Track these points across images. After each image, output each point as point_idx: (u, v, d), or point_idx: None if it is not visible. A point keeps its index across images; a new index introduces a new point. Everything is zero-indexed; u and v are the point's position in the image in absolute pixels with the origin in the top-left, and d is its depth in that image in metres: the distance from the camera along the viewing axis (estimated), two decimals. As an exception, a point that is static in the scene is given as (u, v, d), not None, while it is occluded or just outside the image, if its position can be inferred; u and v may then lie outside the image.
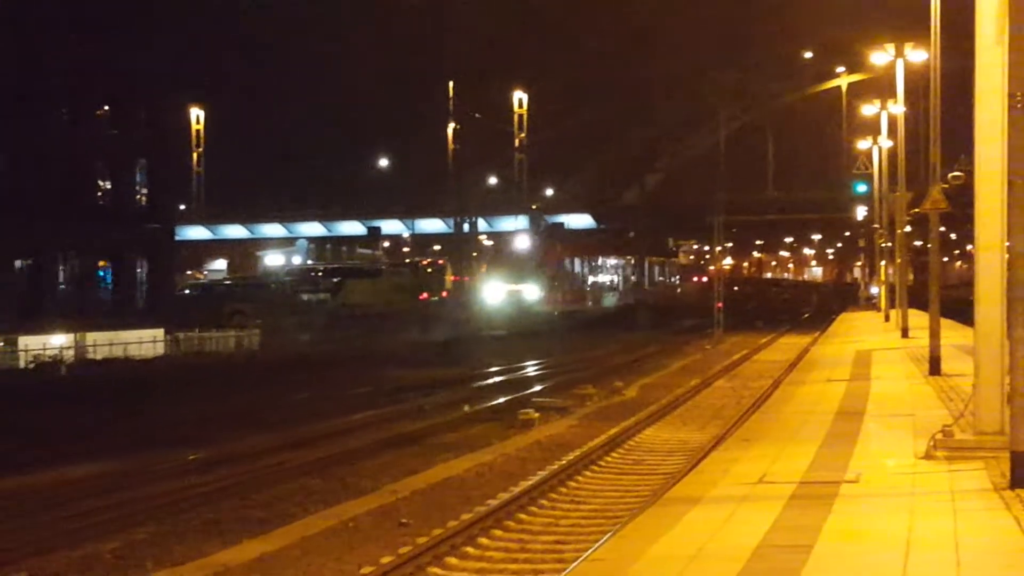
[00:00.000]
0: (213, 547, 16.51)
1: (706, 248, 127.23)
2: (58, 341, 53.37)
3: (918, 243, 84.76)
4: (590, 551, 12.78)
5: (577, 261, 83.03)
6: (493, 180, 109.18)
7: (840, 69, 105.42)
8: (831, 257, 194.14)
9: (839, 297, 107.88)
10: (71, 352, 52.04)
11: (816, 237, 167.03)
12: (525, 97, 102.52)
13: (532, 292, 70.41)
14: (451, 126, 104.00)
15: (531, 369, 45.24)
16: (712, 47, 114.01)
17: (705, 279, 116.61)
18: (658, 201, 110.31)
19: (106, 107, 61.60)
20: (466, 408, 31.49)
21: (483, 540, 16.39)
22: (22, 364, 49.67)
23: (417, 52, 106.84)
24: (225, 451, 24.91)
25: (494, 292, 71.30)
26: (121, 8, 59.60)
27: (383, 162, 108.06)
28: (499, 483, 20.65)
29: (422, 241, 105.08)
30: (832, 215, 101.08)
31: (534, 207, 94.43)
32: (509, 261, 73.79)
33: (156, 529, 17.65)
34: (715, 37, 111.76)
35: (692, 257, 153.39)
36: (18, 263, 57.92)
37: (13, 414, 31.42)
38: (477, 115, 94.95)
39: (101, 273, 62.48)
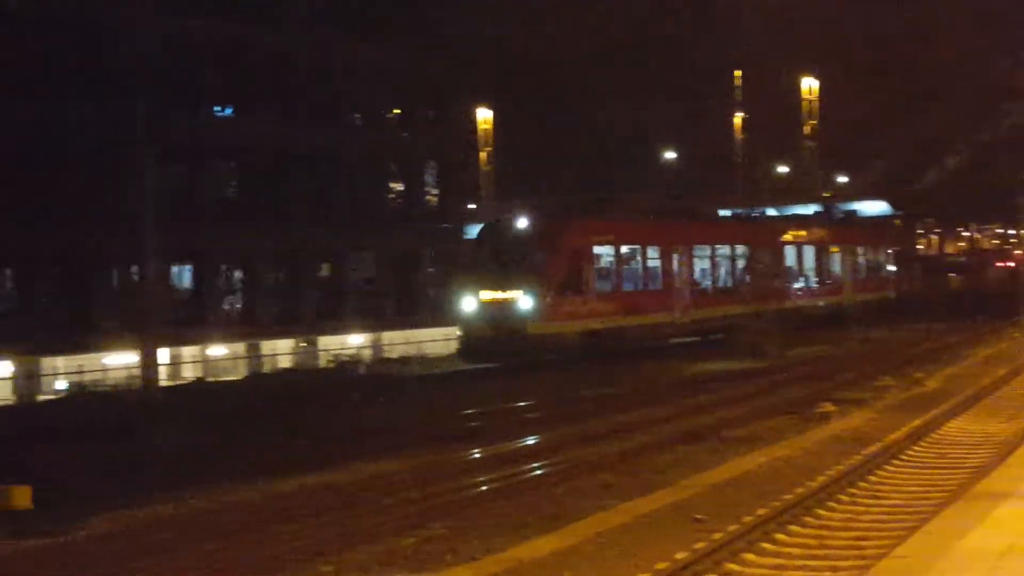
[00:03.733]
0: (508, 542, 16.60)
1: (1011, 232, 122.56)
2: (355, 341, 55.01)
3: None
4: (893, 548, 12.35)
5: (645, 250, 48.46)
6: (783, 168, 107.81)
7: None
8: None
9: None
10: (368, 351, 53.49)
11: None
12: (815, 83, 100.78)
13: (525, 302, 43.04)
14: (738, 115, 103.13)
15: (824, 361, 44.22)
16: (1017, 19, 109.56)
17: (1011, 264, 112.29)
18: (958, 184, 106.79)
19: (396, 111, 63.32)
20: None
21: (780, 536, 16.03)
22: (322, 364, 51.30)
23: (700, 41, 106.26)
24: (520, 446, 25.12)
25: (467, 302, 44.50)
26: (408, 12, 61.18)
27: (669, 154, 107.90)
28: (795, 477, 20.19)
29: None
30: None
31: (826, 195, 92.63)
32: (505, 255, 44.66)
33: (453, 524, 17.84)
34: (1018, 9, 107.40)
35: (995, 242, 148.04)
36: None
37: (316, 413, 32.43)
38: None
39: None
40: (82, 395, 39.54)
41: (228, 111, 55.98)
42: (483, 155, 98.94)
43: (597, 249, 45.78)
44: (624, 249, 47.18)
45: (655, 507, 18.30)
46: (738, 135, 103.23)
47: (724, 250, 53.95)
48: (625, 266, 47.03)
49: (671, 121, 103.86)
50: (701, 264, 51.98)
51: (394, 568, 15.65)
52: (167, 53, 49.91)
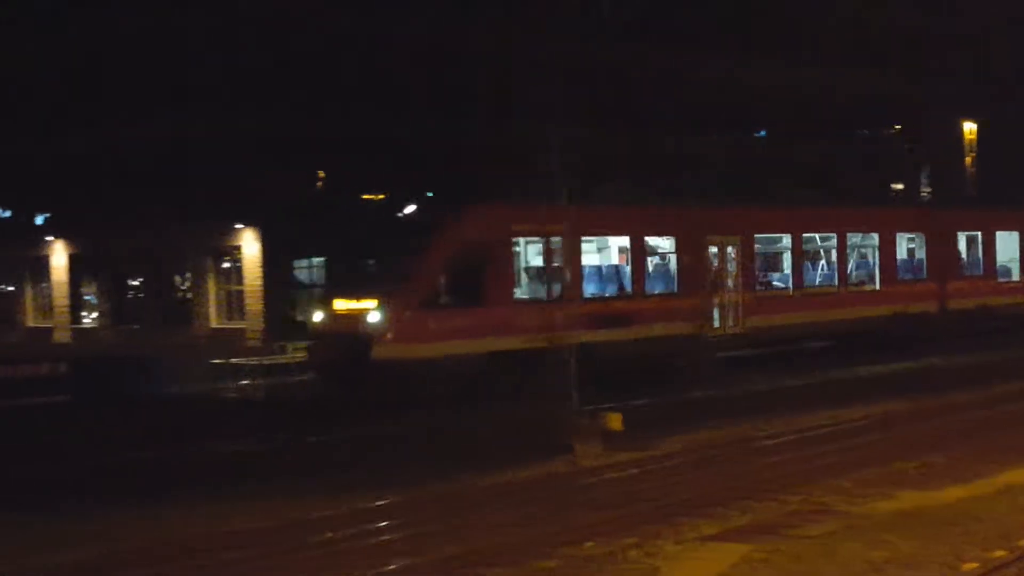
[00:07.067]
0: (999, 468, 19.44)
1: None
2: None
3: None
4: None
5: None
6: None
7: None
8: None
9: None
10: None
11: None
12: None
13: (374, 315, 29.20)
14: None
15: None
16: None
17: None
18: None
19: (897, 126, 69.01)
20: None
21: None
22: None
23: None
24: (994, 393, 29.60)
25: (316, 314, 32.20)
26: (907, 44, 66.22)
27: None
28: None
29: None
30: None
31: None
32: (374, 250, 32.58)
33: (950, 454, 21.01)
34: None
35: None
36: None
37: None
38: None
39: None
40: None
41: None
42: (968, 160, 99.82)
43: (522, 240, 32.64)
44: (596, 241, 35.10)
45: None
46: None
47: (817, 240, 40.72)
48: (602, 264, 35.07)
49: None
50: (770, 259, 39.95)
51: (901, 487, 18.63)
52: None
